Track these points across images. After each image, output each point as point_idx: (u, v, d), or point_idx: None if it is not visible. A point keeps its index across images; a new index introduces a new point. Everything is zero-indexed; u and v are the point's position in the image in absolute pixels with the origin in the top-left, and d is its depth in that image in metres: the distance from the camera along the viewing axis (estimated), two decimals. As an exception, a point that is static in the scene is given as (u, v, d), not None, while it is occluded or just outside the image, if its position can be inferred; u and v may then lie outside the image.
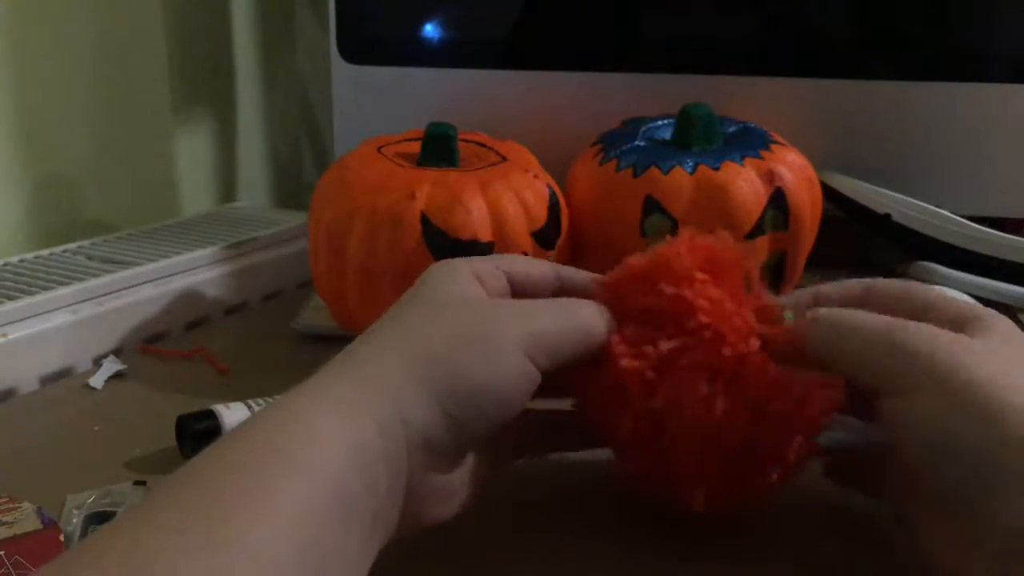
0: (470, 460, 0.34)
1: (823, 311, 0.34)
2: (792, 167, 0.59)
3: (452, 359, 0.32)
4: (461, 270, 0.36)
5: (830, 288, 0.38)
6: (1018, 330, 0.33)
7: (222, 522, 0.24)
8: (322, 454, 0.27)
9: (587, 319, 0.36)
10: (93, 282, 0.60)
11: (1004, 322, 0.33)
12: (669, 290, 0.35)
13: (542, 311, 0.35)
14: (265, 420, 0.29)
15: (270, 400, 0.48)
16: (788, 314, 0.36)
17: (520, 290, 0.38)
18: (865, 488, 0.38)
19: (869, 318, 0.33)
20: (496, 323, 0.33)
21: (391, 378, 0.31)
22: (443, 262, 0.37)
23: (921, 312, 0.34)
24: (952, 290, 0.36)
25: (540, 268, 0.39)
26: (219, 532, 0.24)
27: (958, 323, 0.33)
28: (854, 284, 0.38)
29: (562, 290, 0.38)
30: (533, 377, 0.33)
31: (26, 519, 0.39)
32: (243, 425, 0.29)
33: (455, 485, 0.34)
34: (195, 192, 0.91)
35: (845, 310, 0.34)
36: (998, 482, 0.28)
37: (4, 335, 0.54)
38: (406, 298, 0.36)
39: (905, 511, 0.34)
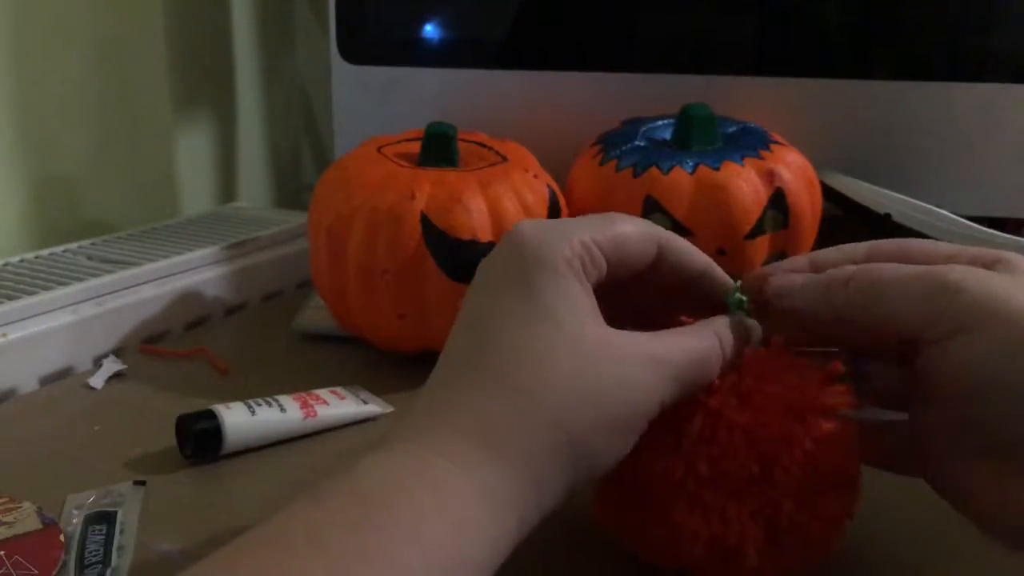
0: None
1: (855, 269, 0.33)
2: (792, 167, 0.59)
3: (595, 450, 0.29)
4: (564, 266, 0.31)
5: (828, 253, 0.36)
6: None
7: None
8: (459, 531, 0.26)
9: (711, 359, 0.33)
10: (93, 282, 0.60)
11: (1021, 259, 0.32)
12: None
13: (674, 352, 0.31)
14: (394, 484, 0.27)
15: (270, 400, 0.49)
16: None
17: (614, 261, 0.33)
18: (901, 464, 0.37)
19: (903, 268, 0.32)
20: (633, 389, 0.30)
21: (536, 466, 0.28)
22: (535, 240, 0.32)
23: (944, 262, 0.33)
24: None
25: (643, 239, 0.34)
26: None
27: (982, 264, 0.32)
28: (856, 247, 0.36)
29: (663, 262, 0.35)
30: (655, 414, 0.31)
31: (26, 519, 0.39)
32: (363, 482, 0.27)
33: None
34: (195, 192, 0.91)
35: (874, 265, 0.33)
36: None
37: (4, 335, 0.54)
38: (511, 300, 0.31)
39: (949, 474, 0.33)
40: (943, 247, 0.35)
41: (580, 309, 0.31)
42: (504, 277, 0.32)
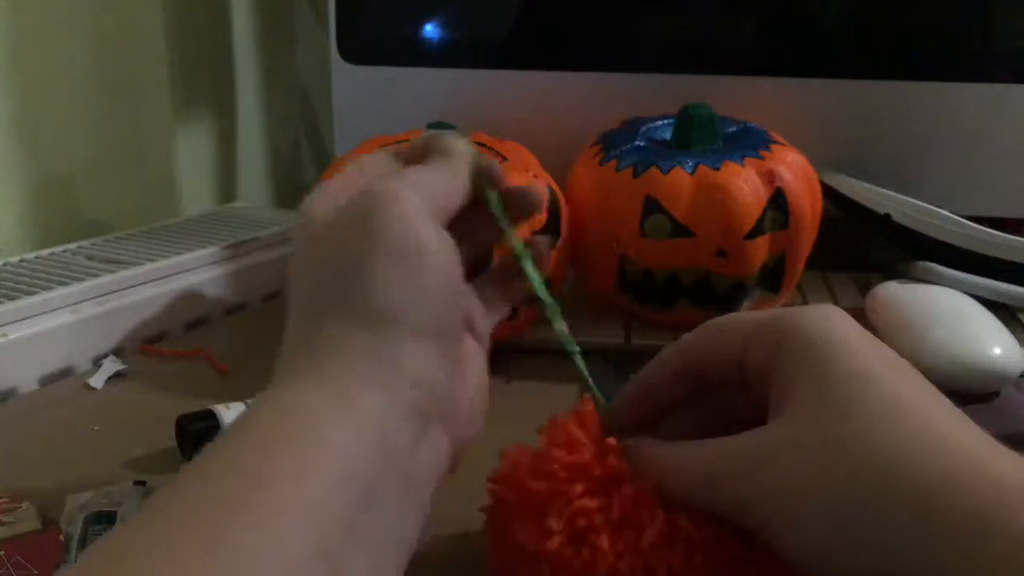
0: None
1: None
2: (792, 167, 0.59)
3: (401, 295, 0.30)
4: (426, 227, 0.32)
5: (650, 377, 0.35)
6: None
7: (232, 534, 0.23)
8: (331, 446, 0.27)
9: (459, 179, 0.34)
10: (93, 282, 0.60)
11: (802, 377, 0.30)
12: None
13: (431, 173, 0.33)
14: (265, 417, 0.28)
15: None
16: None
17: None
18: None
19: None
20: (408, 223, 0.31)
21: (375, 348, 0.30)
22: (393, 209, 0.31)
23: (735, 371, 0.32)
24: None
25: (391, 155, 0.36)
26: (225, 536, 0.23)
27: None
28: (668, 360, 0.35)
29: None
30: (449, 243, 0.32)
31: (26, 519, 0.39)
32: (242, 422, 0.28)
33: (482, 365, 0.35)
34: (195, 192, 0.91)
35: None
36: None
37: (4, 335, 0.54)
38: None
39: None
40: (718, 340, 0.33)
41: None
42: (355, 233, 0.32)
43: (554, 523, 0.31)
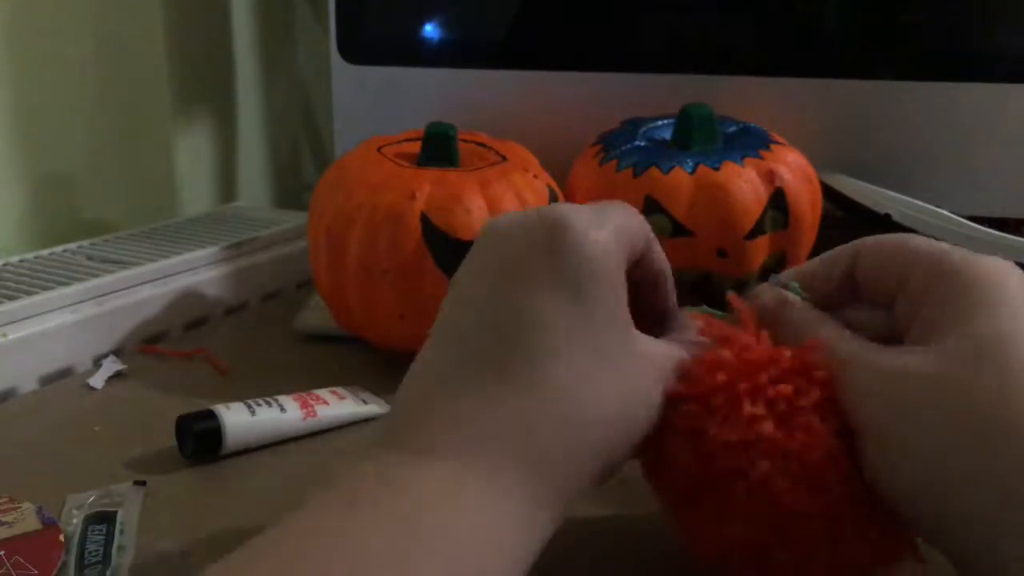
0: None
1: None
2: (792, 167, 0.59)
3: (599, 432, 0.29)
4: (617, 274, 0.30)
5: (814, 267, 0.35)
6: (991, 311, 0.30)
7: None
8: (463, 544, 0.25)
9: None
10: (93, 282, 0.60)
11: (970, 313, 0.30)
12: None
13: (681, 349, 0.32)
14: (386, 498, 0.25)
15: (270, 400, 0.49)
16: (791, 286, 0.35)
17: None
18: None
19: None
20: (643, 376, 0.30)
21: (562, 468, 0.28)
22: (590, 236, 0.29)
23: (897, 289, 0.32)
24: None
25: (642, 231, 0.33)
26: None
27: (932, 302, 0.31)
28: (843, 255, 0.34)
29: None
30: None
31: (26, 519, 0.39)
32: (354, 493, 0.25)
33: None
34: (195, 192, 0.91)
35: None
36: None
37: (4, 335, 0.54)
38: (564, 307, 0.29)
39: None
40: (909, 252, 0.32)
41: (624, 317, 0.30)
42: (544, 273, 0.29)
43: (759, 409, 0.30)
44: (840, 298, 0.34)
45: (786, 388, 0.30)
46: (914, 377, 0.28)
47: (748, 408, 0.30)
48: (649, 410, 0.30)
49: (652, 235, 0.34)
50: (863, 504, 0.30)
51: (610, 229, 0.30)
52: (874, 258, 0.33)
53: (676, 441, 0.31)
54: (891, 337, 0.31)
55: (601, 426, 0.28)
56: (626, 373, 0.29)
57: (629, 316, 0.30)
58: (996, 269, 0.30)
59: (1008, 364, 0.27)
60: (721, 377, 0.31)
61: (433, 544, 0.24)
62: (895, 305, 0.32)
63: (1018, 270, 0.30)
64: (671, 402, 0.31)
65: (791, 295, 0.34)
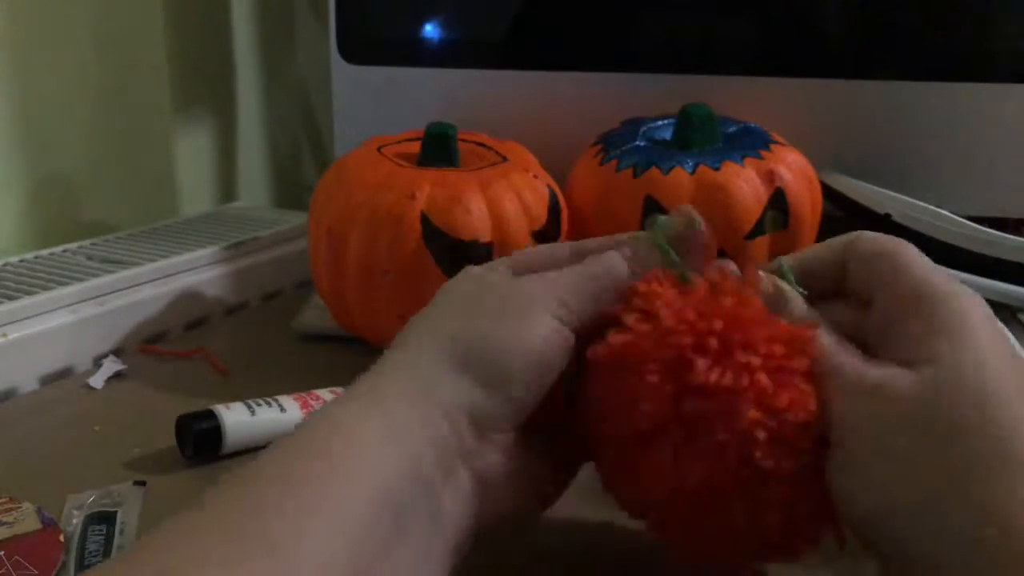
0: (540, 443, 0.34)
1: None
2: (792, 167, 0.59)
3: (477, 331, 0.32)
4: (486, 270, 0.36)
5: (810, 253, 0.36)
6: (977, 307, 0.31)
7: (263, 532, 0.24)
8: (364, 454, 0.27)
9: (608, 263, 0.35)
10: (93, 282, 0.60)
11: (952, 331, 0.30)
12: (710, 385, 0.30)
13: (565, 272, 0.34)
14: (308, 428, 0.29)
15: (270, 400, 0.49)
16: (787, 274, 0.35)
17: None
18: None
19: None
20: (518, 292, 0.33)
21: (421, 367, 0.31)
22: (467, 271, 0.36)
23: (878, 291, 0.32)
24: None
25: (559, 249, 0.38)
26: (261, 541, 0.24)
27: (903, 315, 0.31)
28: (837, 245, 0.35)
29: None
30: (563, 334, 0.32)
31: (26, 519, 0.39)
32: (286, 435, 0.28)
33: (533, 471, 0.33)
34: (195, 192, 0.91)
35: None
36: None
37: (4, 335, 0.54)
38: (433, 299, 0.36)
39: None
40: (898, 260, 0.33)
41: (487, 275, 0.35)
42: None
43: (755, 359, 0.30)
44: (831, 288, 0.35)
45: (780, 348, 0.31)
46: (898, 398, 0.29)
47: (743, 356, 0.30)
48: (538, 330, 0.32)
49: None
50: (819, 484, 0.30)
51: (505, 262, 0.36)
52: (867, 255, 0.34)
53: (643, 374, 0.31)
54: (862, 336, 0.32)
55: (461, 339, 0.32)
56: (482, 298, 0.34)
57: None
58: (973, 302, 0.31)
59: (984, 394, 0.28)
60: (718, 324, 0.31)
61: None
62: (872, 305, 0.32)
63: (984, 304, 0.31)
64: (617, 327, 0.32)
65: (788, 288, 0.34)
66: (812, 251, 0.36)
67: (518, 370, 0.31)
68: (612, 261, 0.35)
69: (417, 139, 0.59)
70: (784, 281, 0.34)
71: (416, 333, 0.33)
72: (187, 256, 0.66)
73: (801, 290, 0.34)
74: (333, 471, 0.26)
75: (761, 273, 0.35)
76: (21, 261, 0.65)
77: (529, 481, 0.33)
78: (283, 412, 0.48)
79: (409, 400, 0.30)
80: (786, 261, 0.35)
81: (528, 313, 0.32)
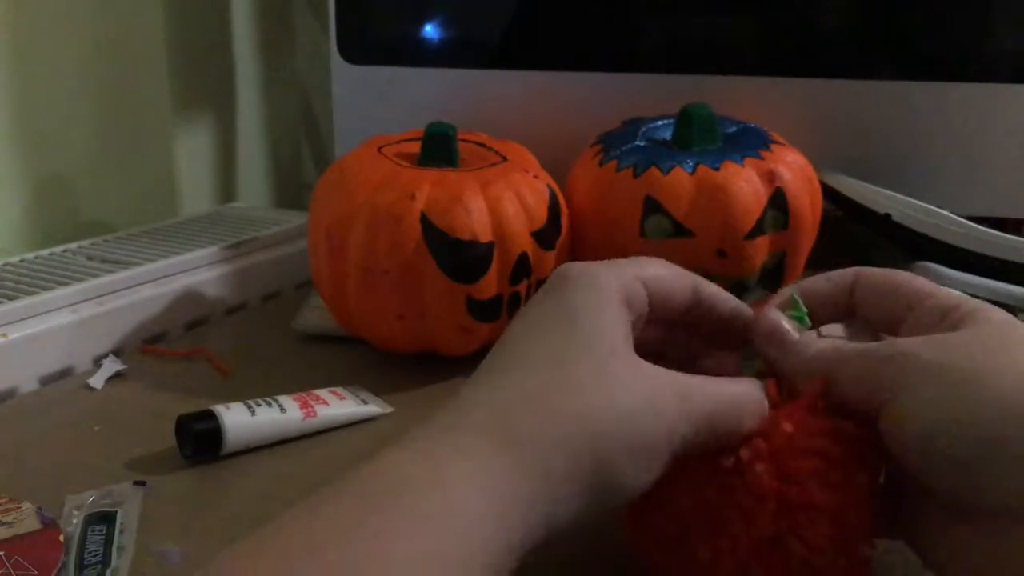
0: None
1: (811, 353, 0.34)
2: (792, 167, 0.59)
3: (619, 474, 0.29)
4: (609, 293, 0.33)
5: (817, 283, 0.37)
6: (998, 314, 0.32)
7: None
8: (461, 524, 0.26)
9: (744, 406, 0.32)
10: (93, 282, 0.60)
11: (985, 309, 0.33)
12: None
13: (702, 393, 0.32)
14: (399, 471, 0.27)
15: (270, 400, 0.49)
16: (798, 302, 0.36)
17: (656, 303, 0.35)
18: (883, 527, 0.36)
19: (849, 347, 0.33)
20: (658, 415, 0.30)
21: (555, 482, 0.28)
22: (584, 270, 0.33)
23: (906, 310, 0.34)
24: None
25: (680, 281, 0.36)
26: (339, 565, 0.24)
27: (941, 314, 0.33)
28: (843, 275, 0.37)
29: (698, 306, 0.36)
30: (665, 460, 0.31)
31: (26, 519, 0.39)
32: (374, 465, 0.27)
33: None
34: (195, 192, 0.91)
35: (829, 347, 0.34)
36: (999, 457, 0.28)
37: (4, 335, 0.54)
38: (550, 316, 0.33)
39: (923, 537, 0.33)
40: (919, 284, 0.35)
41: (615, 333, 0.32)
42: (546, 296, 0.33)
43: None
44: (835, 318, 0.37)
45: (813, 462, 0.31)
46: (953, 345, 0.31)
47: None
48: (656, 419, 0.30)
49: (694, 275, 0.37)
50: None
51: (611, 271, 0.33)
52: (877, 288, 0.35)
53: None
54: None
55: (594, 432, 0.29)
56: (625, 390, 0.30)
57: (623, 340, 0.32)
58: (1007, 316, 0.32)
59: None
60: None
61: (379, 517, 0.26)
62: (903, 322, 0.34)
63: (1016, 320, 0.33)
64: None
65: (799, 327, 0.36)
66: (815, 286, 0.37)
67: (637, 484, 0.30)
68: (748, 408, 0.33)
69: (417, 139, 0.59)
70: (795, 307, 0.36)
71: (542, 391, 0.30)
72: (187, 256, 0.66)
73: (809, 322, 0.36)
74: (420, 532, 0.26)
75: (774, 311, 0.36)
76: (21, 261, 0.65)
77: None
78: (283, 412, 0.48)
79: (519, 484, 0.28)
80: (793, 291, 0.37)
81: (661, 457, 0.30)
